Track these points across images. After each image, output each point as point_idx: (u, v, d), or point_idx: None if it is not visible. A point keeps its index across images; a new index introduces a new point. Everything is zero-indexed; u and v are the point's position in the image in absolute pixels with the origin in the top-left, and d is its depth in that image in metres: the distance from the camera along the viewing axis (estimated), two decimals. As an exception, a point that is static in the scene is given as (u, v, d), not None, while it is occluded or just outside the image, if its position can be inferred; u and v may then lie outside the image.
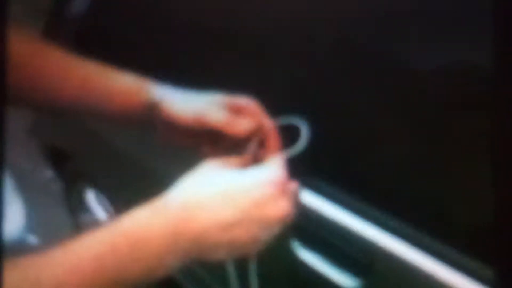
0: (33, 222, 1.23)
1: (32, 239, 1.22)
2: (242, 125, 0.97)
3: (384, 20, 1.38)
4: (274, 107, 1.03)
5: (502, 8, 0.71)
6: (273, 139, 0.99)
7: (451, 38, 1.25)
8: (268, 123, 0.99)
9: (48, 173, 4.13)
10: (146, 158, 2.29)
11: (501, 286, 0.76)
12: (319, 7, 1.51)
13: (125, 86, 1.06)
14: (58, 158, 3.20)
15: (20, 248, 1.10)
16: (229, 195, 0.84)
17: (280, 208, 0.85)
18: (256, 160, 0.95)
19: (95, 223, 3.18)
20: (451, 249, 1.24)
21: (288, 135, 0.99)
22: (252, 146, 0.96)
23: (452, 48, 1.26)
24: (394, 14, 1.36)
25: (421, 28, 1.31)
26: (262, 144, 0.98)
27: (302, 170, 1.01)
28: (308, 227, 1.50)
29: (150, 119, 1.04)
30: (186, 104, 1.01)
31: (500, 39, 0.71)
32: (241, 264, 0.93)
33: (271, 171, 0.88)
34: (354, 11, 1.44)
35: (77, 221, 3.40)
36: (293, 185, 0.89)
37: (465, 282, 1.20)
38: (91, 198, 3.19)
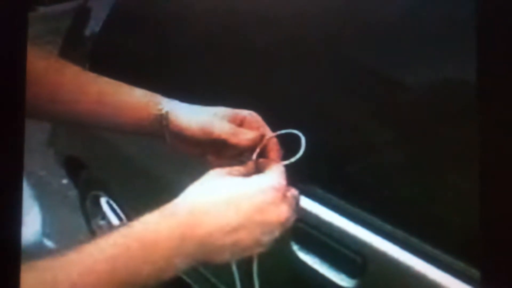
0: (50, 228, 1.23)
1: (49, 243, 1.21)
2: (245, 136, 0.96)
3: (377, 40, 1.38)
4: (274, 119, 1.03)
5: (485, 28, 0.71)
6: (274, 149, 0.98)
7: (438, 57, 1.25)
8: (269, 134, 0.99)
9: (64, 181, 4.13)
10: (156, 167, 2.29)
11: (486, 285, 0.75)
12: (317, 27, 1.52)
13: (136, 99, 1.06)
14: (73, 167, 3.20)
15: (37, 252, 1.10)
16: (233, 201, 0.83)
17: (281, 213, 0.85)
18: (258, 168, 0.94)
19: (108, 228, 3.18)
20: (440, 251, 1.23)
21: (287, 146, 0.99)
22: (254, 155, 0.96)
23: (439, 65, 1.26)
24: (387, 34, 1.37)
25: (411, 48, 1.31)
26: (263, 154, 0.98)
27: (300, 177, 1.00)
28: (306, 230, 1.50)
29: (159, 130, 1.03)
30: (192, 116, 1.01)
31: (483, 57, 0.70)
32: (245, 265, 0.93)
33: (272, 178, 0.87)
34: (350, 31, 1.45)
35: (91, 225, 3.40)
36: (293, 191, 0.89)
37: (454, 282, 1.20)
38: (104, 204, 3.18)
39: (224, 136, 0.97)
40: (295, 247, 1.55)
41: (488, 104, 0.71)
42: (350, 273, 1.43)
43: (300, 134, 0.97)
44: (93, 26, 2.71)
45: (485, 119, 0.72)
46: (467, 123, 1.14)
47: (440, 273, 1.22)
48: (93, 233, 3.36)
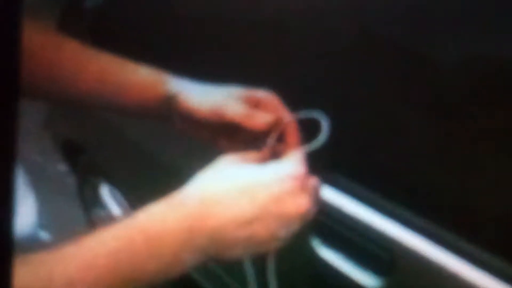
0: (46, 217, 1.23)
1: (44, 235, 1.22)
2: (260, 119, 0.96)
3: (405, 12, 1.37)
4: (293, 101, 1.02)
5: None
6: (292, 133, 0.98)
7: (473, 30, 1.24)
8: (287, 117, 0.99)
9: (62, 167, 4.15)
10: (162, 152, 2.30)
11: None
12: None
13: (142, 78, 1.06)
14: (72, 152, 3.22)
15: (32, 244, 1.10)
16: (248, 190, 0.83)
17: (300, 204, 0.84)
18: (275, 154, 0.94)
19: (109, 218, 3.20)
20: (475, 247, 1.23)
21: (308, 130, 0.98)
22: (270, 140, 0.96)
23: (473, 40, 1.25)
24: (415, 6, 1.36)
25: (443, 20, 1.30)
26: (281, 139, 0.98)
27: (321, 165, 1.00)
28: (328, 224, 1.50)
29: (167, 112, 1.04)
30: (203, 96, 1.01)
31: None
32: (260, 262, 0.93)
33: (291, 166, 0.87)
34: (375, 3, 1.44)
35: (91, 216, 3.42)
36: (313, 180, 0.89)
37: (489, 281, 1.19)
38: (105, 192, 3.20)
39: (237, 119, 0.97)
40: (315, 242, 1.56)
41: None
42: (376, 272, 1.43)
43: (322, 117, 0.97)
44: (94, -4, 2.72)
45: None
46: (506, 104, 1.13)
47: (477, 272, 1.22)
48: (92, 225, 3.39)
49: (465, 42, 1.27)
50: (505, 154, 1.18)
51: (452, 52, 1.29)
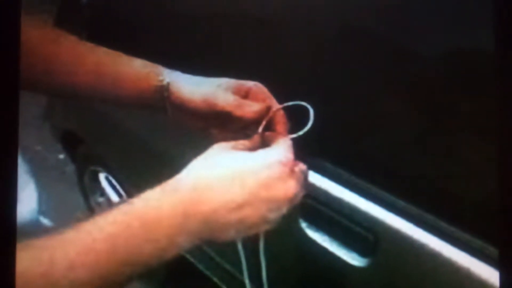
0: (46, 205, 1.23)
1: (45, 221, 1.21)
2: (250, 108, 0.96)
3: (388, 6, 1.37)
4: (281, 91, 1.02)
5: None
6: (280, 121, 0.98)
7: (453, 24, 1.24)
8: (276, 106, 0.99)
9: (61, 156, 4.13)
10: (157, 141, 2.29)
11: (505, 264, 0.76)
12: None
13: (136, 70, 1.06)
14: (70, 141, 3.20)
15: (33, 230, 1.10)
16: (238, 176, 0.83)
17: (288, 189, 0.85)
18: (264, 142, 0.94)
19: (107, 205, 3.19)
20: (456, 228, 1.23)
21: (295, 118, 0.98)
22: (260, 129, 0.96)
23: (454, 33, 1.25)
24: (397, 1, 1.36)
25: (424, 14, 1.30)
26: (270, 127, 0.98)
27: (308, 152, 1.00)
28: (315, 208, 1.50)
29: (160, 102, 1.03)
30: (195, 87, 1.00)
31: (501, 25, 0.70)
32: (251, 243, 0.93)
33: (279, 152, 0.87)
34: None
35: (90, 203, 3.41)
36: (301, 166, 0.89)
37: (470, 260, 1.20)
38: (103, 180, 3.19)
39: (228, 108, 0.96)
40: (303, 225, 1.56)
41: (507, 74, 0.71)
42: (361, 252, 1.44)
43: (309, 106, 0.97)
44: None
45: (503, 90, 0.71)
46: (485, 94, 1.13)
47: (456, 251, 1.22)
48: (91, 211, 3.38)
49: (445, 35, 1.27)
50: (482, 140, 1.18)
51: (432, 45, 1.30)
